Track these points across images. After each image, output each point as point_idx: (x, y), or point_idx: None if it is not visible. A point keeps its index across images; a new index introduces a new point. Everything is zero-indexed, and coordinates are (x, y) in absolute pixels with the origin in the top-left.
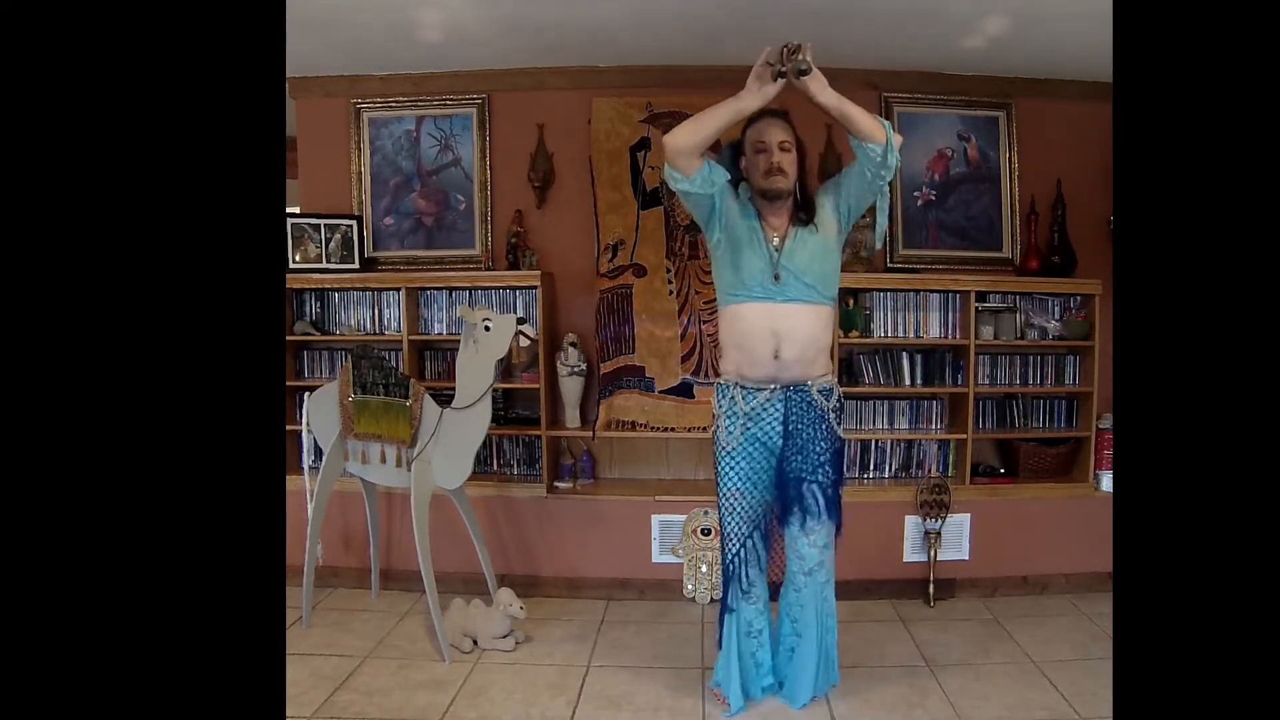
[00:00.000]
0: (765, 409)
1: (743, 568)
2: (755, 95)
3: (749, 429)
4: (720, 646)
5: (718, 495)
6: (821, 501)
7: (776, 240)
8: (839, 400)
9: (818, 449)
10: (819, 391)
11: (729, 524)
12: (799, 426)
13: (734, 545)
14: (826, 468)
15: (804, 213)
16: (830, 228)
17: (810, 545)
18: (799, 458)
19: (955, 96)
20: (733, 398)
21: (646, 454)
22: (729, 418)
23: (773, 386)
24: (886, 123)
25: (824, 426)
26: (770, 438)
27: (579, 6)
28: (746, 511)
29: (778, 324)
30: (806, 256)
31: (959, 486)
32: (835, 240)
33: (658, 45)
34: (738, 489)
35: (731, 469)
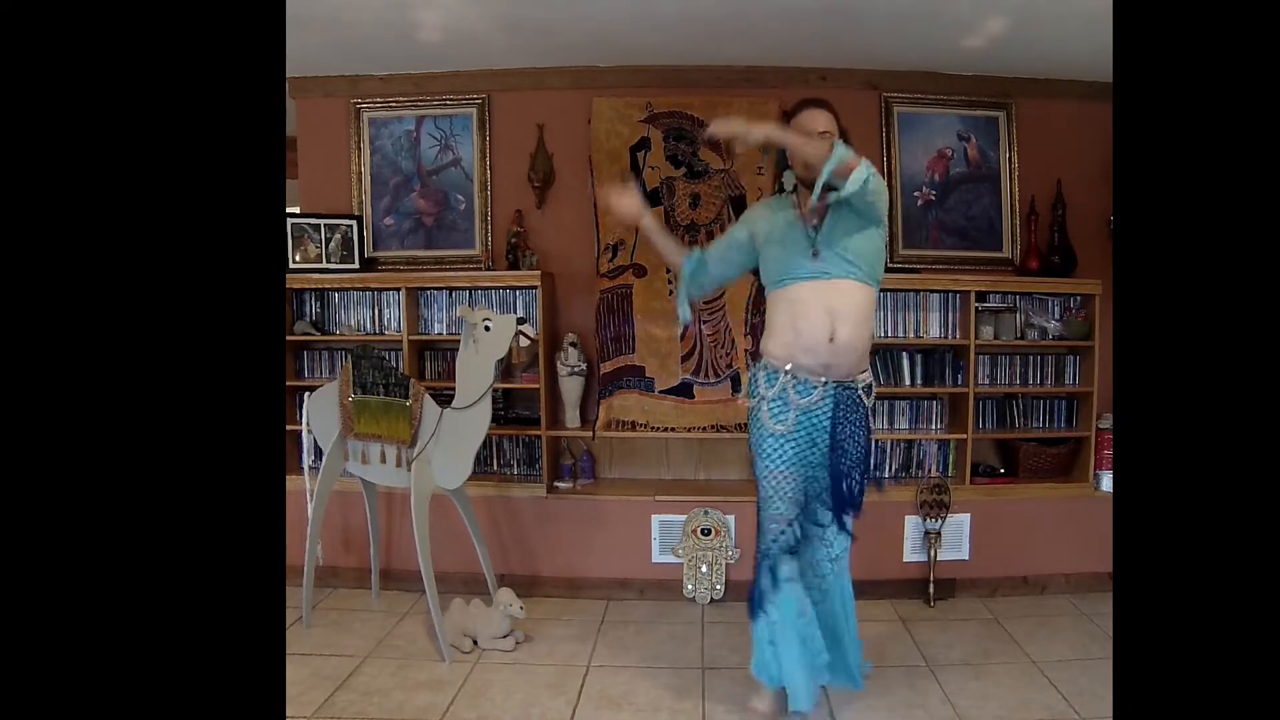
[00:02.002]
0: (818, 405)
1: (783, 553)
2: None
3: (800, 419)
4: (763, 648)
5: (759, 479)
6: (858, 494)
7: (815, 220)
8: (874, 398)
9: (859, 445)
10: (863, 389)
11: (775, 507)
12: (845, 424)
13: (777, 528)
14: (866, 463)
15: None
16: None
17: (839, 534)
18: (842, 455)
19: (955, 96)
20: (784, 387)
21: (646, 454)
22: (779, 404)
23: (824, 381)
24: (838, 151)
25: (864, 425)
26: (817, 431)
27: (579, 6)
28: (793, 495)
29: (832, 300)
30: (842, 231)
31: (959, 486)
32: (874, 224)
33: (658, 45)
34: (785, 471)
35: (778, 451)
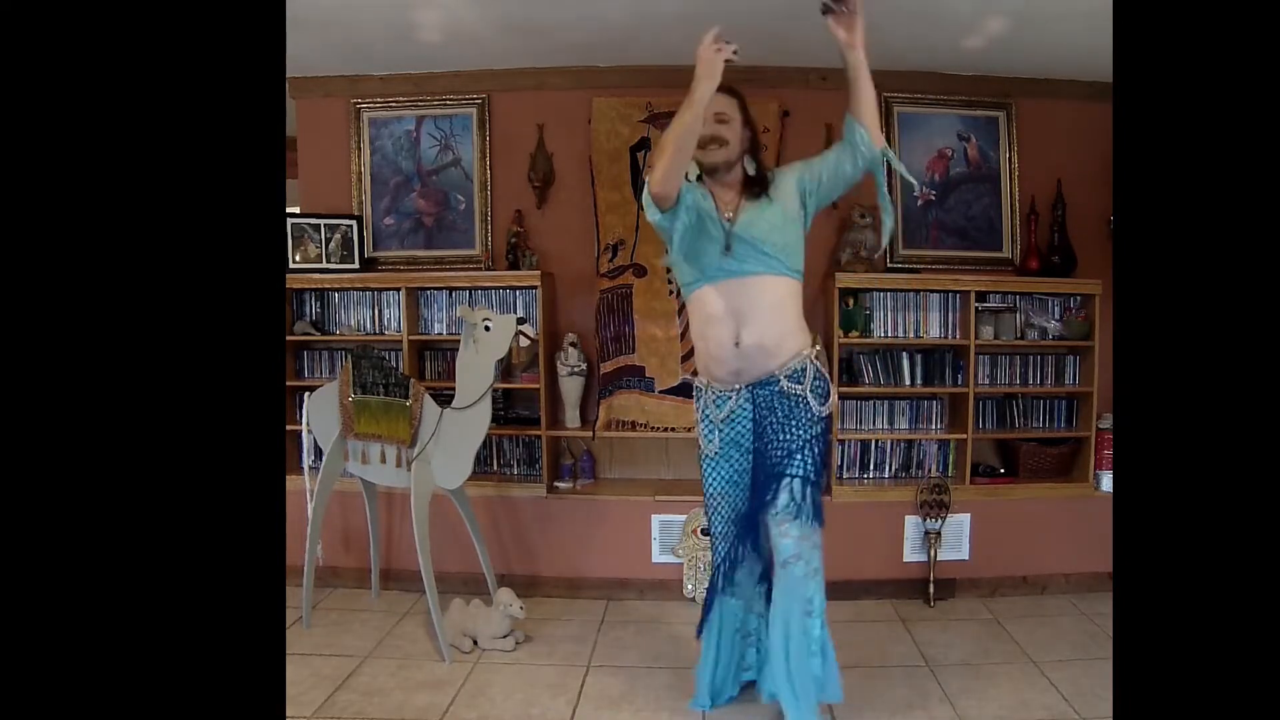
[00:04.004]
0: (736, 413)
1: (727, 566)
2: (704, 77)
3: (724, 433)
4: (699, 636)
5: (703, 496)
6: (797, 491)
7: (729, 213)
8: (817, 376)
9: (791, 436)
10: (787, 379)
11: (715, 525)
12: (769, 419)
13: (721, 546)
14: (803, 455)
15: (756, 186)
16: (791, 201)
17: (783, 535)
18: (772, 449)
19: (955, 96)
20: (706, 403)
21: (646, 454)
22: (705, 424)
23: (737, 388)
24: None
25: (799, 411)
26: (744, 437)
27: (579, 6)
28: (730, 513)
29: (738, 301)
30: (765, 226)
31: (959, 486)
32: (797, 213)
33: (658, 45)
34: (720, 491)
35: (713, 472)
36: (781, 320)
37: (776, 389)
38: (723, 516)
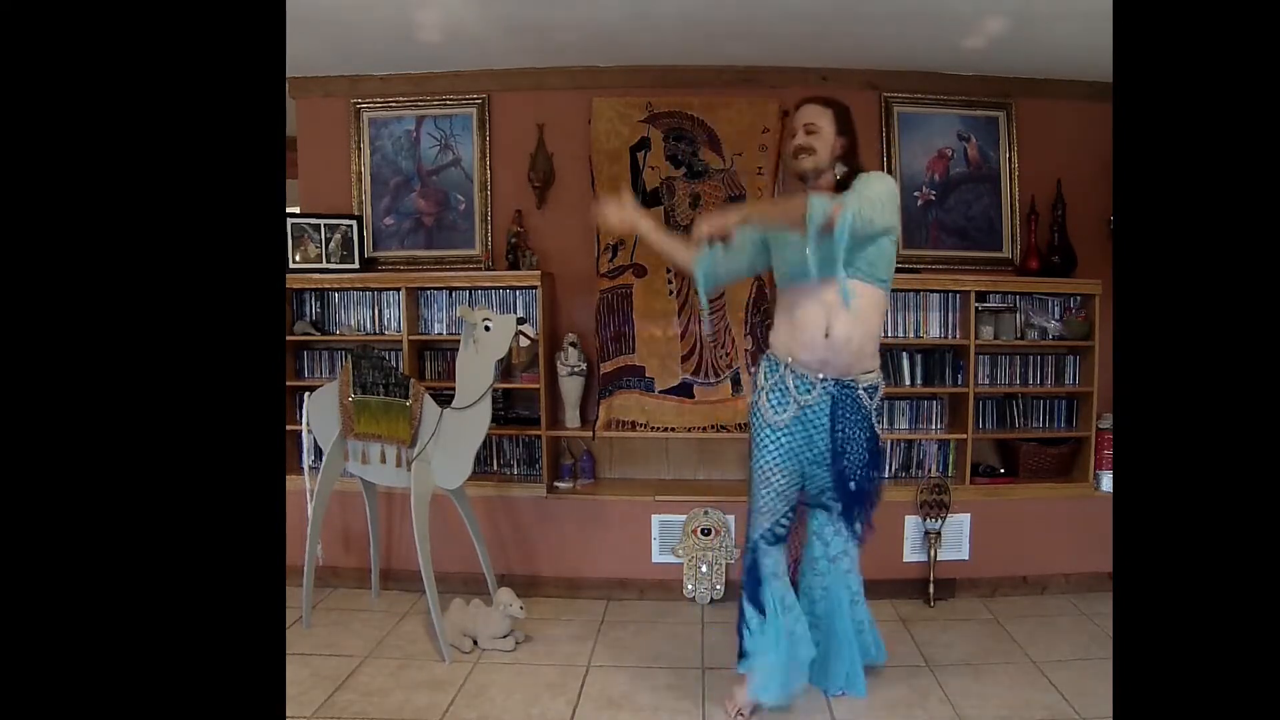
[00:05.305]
0: (816, 403)
1: (768, 546)
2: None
3: (799, 414)
4: (744, 635)
5: (752, 470)
6: (868, 496)
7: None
8: (881, 399)
9: (860, 447)
10: (864, 390)
11: (764, 499)
12: (845, 425)
13: (767, 521)
14: (867, 465)
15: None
16: None
17: (837, 534)
18: (844, 455)
19: (955, 96)
20: (783, 378)
21: (646, 454)
22: (778, 394)
23: (822, 378)
24: (813, 211)
25: (866, 425)
26: (817, 431)
27: (579, 6)
28: (782, 489)
29: (829, 297)
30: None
31: (959, 486)
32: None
33: (658, 45)
34: (777, 464)
35: (774, 443)
36: (866, 323)
37: (854, 394)
38: (775, 489)
